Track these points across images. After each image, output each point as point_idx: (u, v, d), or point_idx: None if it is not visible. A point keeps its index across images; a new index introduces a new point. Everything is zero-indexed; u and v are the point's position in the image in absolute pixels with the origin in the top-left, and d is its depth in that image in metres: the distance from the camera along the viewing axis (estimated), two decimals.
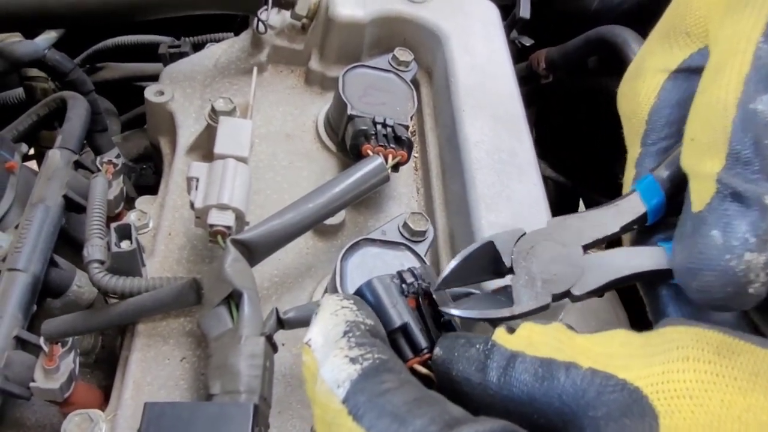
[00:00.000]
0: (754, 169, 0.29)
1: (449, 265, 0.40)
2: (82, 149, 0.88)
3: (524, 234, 0.39)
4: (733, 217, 0.30)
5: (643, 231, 0.39)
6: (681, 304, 0.36)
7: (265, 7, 0.71)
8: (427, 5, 0.76)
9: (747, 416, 0.24)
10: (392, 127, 0.63)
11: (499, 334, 0.33)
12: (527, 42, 1.02)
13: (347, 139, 0.64)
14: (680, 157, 0.33)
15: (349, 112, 0.64)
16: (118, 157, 0.93)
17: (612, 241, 0.39)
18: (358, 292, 0.42)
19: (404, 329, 0.39)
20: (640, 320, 1.20)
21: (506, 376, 0.30)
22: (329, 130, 0.71)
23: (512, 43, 1.04)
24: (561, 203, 1.18)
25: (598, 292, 0.37)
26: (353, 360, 0.30)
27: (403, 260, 0.56)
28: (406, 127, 0.64)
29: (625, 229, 0.38)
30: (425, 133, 0.72)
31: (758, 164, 0.29)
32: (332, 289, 0.54)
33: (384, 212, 0.66)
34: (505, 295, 0.39)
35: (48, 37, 0.83)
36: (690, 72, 0.36)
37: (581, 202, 1.26)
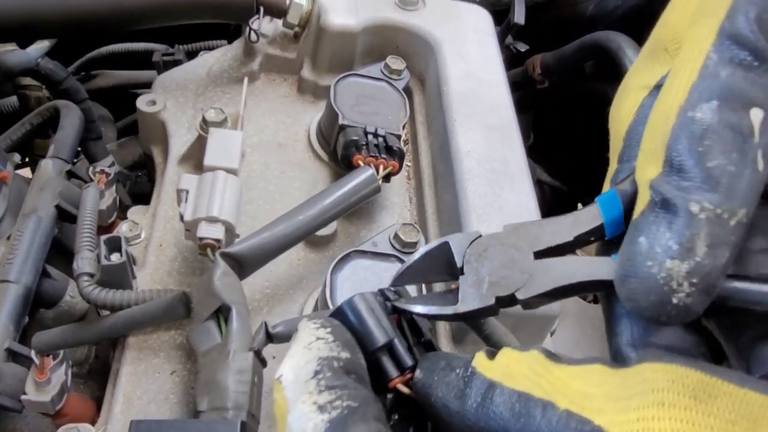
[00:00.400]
0: (687, 176, 0.29)
1: (406, 262, 0.41)
2: (77, 157, 0.88)
3: (479, 237, 0.40)
4: (659, 224, 0.29)
5: (605, 244, 0.38)
6: (633, 321, 0.34)
7: (257, 16, 0.71)
8: (420, 13, 0.76)
9: None
10: (384, 137, 0.63)
11: (479, 360, 0.32)
12: (522, 47, 1.02)
13: (338, 150, 0.64)
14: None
15: (340, 122, 0.64)
16: (112, 165, 0.94)
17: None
18: (339, 311, 0.40)
19: (389, 347, 0.39)
20: None
21: (484, 408, 0.30)
22: (321, 139, 0.70)
23: (507, 49, 1.04)
24: (557, 208, 1.18)
25: (545, 298, 0.36)
26: (321, 408, 0.30)
27: (394, 272, 0.56)
28: (398, 137, 0.64)
29: (580, 239, 0.37)
30: (418, 141, 0.72)
31: (691, 172, 0.29)
32: (322, 302, 0.54)
33: (376, 222, 0.66)
34: (455, 295, 0.39)
35: (41, 46, 0.83)
36: None
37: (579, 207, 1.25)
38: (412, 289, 0.51)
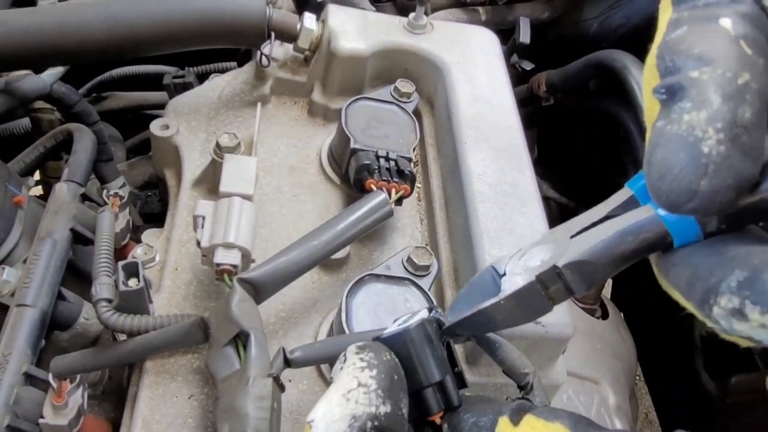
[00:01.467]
0: (680, 64, 0.29)
1: (453, 312, 0.40)
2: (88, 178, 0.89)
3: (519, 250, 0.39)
4: (669, 102, 0.29)
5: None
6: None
7: (269, 41, 0.72)
8: (428, 36, 0.77)
9: None
10: (395, 160, 0.64)
11: (503, 426, 0.33)
12: (528, 66, 1.04)
13: (351, 173, 0.65)
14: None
15: (352, 145, 0.65)
16: (123, 186, 0.95)
17: None
18: (396, 340, 0.39)
19: (441, 384, 0.39)
20: (650, 343, 1.18)
21: None
22: (333, 162, 0.71)
23: (513, 67, 1.05)
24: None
25: (586, 265, 0.35)
26: None
27: (408, 295, 0.57)
28: (409, 160, 0.65)
29: (612, 214, 0.36)
30: (428, 163, 0.73)
31: (682, 60, 0.29)
32: (338, 326, 0.55)
33: (388, 244, 0.67)
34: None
35: (55, 71, 0.85)
36: None
37: None
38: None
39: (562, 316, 0.55)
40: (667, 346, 1.16)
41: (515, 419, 0.32)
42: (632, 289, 1.30)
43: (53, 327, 0.65)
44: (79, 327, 0.67)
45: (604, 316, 1.00)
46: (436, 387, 0.38)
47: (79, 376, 0.63)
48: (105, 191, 0.76)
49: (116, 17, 0.70)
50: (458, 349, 0.58)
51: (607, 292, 1.44)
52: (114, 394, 0.67)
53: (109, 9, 0.69)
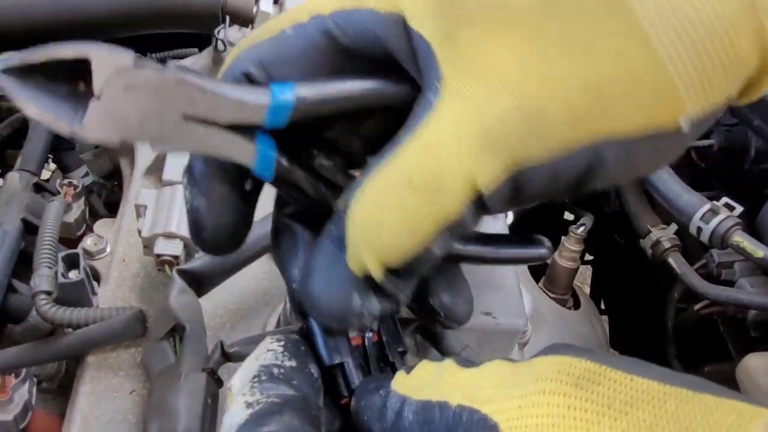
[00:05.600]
0: (401, 280, 0.32)
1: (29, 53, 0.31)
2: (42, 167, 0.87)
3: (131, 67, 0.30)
4: (372, 297, 0.33)
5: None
6: None
7: (223, 25, 0.70)
8: None
9: None
10: None
11: (397, 378, 0.33)
12: None
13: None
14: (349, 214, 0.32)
15: None
16: (86, 175, 0.92)
17: None
18: (305, 325, 0.41)
19: (341, 367, 0.40)
20: (625, 332, 1.18)
21: (397, 424, 0.31)
22: None
23: None
24: (541, 216, 1.18)
25: None
26: (249, 405, 0.32)
27: None
28: None
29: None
30: None
31: (405, 279, 0.32)
32: (284, 317, 0.54)
33: None
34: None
35: (6, 57, 0.82)
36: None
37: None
38: None
39: (514, 308, 0.54)
40: (638, 335, 1.15)
41: (411, 370, 0.33)
42: (609, 280, 1.29)
43: (5, 320, 0.64)
44: (32, 320, 0.65)
45: (576, 306, 0.99)
46: (341, 372, 0.39)
47: (24, 371, 0.61)
48: (58, 181, 0.74)
49: (66, 0, 0.68)
50: (410, 342, 0.57)
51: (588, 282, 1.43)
52: (70, 389, 0.66)
53: None
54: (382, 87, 0.33)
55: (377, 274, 0.32)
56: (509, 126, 0.28)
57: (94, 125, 0.30)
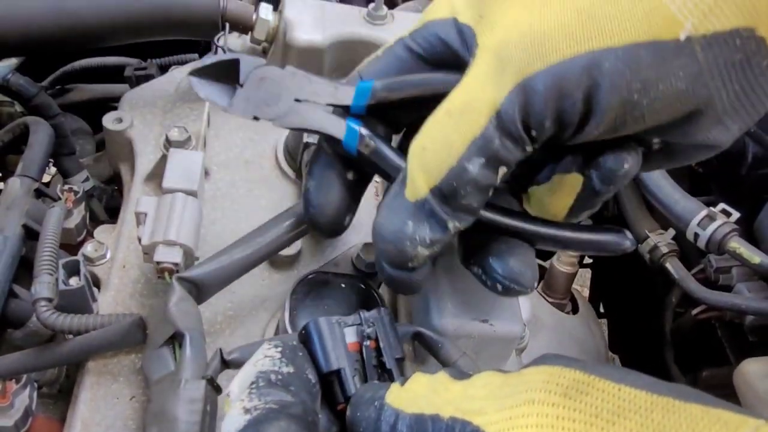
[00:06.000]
0: (448, 206, 0.39)
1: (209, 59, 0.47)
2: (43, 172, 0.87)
3: (264, 66, 0.47)
4: (425, 223, 0.40)
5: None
6: None
7: (223, 32, 0.70)
8: (388, 27, 0.75)
9: None
10: None
11: (392, 391, 0.34)
12: None
13: (303, 167, 0.63)
14: (412, 144, 0.41)
15: (305, 139, 0.63)
16: (86, 180, 0.93)
17: None
18: (304, 330, 0.43)
19: (338, 374, 0.40)
20: (624, 336, 1.18)
21: None
22: (288, 156, 0.70)
23: None
24: None
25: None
26: (247, 411, 0.33)
27: (356, 293, 0.55)
28: None
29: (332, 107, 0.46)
30: None
31: (452, 205, 0.39)
32: (282, 324, 0.54)
33: (341, 241, 0.65)
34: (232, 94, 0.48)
35: (8, 63, 0.83)
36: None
37: None
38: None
39: (511, 314, 0.54)
40: (637, 339, 1.15)
41: (405, 381, 0.34)
42: (607, 284, 1.29)
43: (6, 325, 0.64)
44: (32, 325, 0.65)
45: (575, 310, 0.99)
46: (337, 378, 0.40)
47: (25, 376, 0.62)
48: (59, 186, 0.75)
49: (65, 7, 0.68)
50: (407, 347, 0.57)
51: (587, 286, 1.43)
52: (71, 393, 0.66)
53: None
54: (440, 77, 0.44)
55: (424, 191, 0.39)
56: (517, 50, 0.36)
57: (238, 105, 0.47)
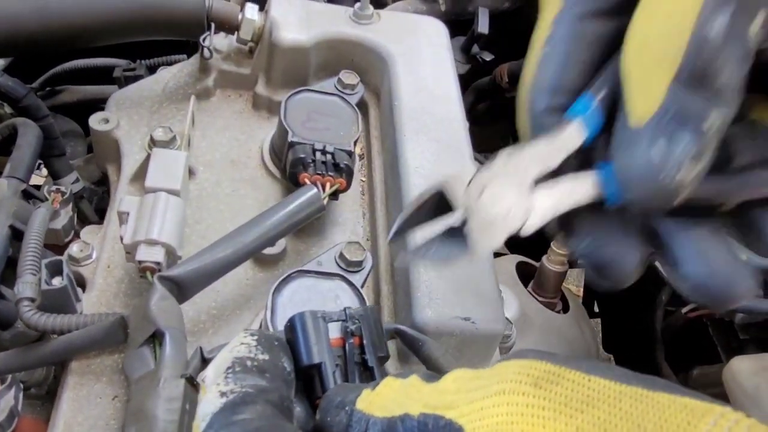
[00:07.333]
0: (702, 91, 0.30)
1: (399, 217, 0.42)
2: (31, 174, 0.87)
3: (476, 173, 0.40)
4: (673, 137, 0.31)
5: (580, 152, 0.39)
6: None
7: (208, 32, 0.70)
8: (374, 27, 0.76)
9: None
10: (332, 153, 0.62)
11: (363, 397, 0.34)
12: (488, 57, 1.02)
13: (287, 167, 0.63)
14: (623, 60, 0.33)
15: (289, 139, 0.63)
16: (76, 182, 0.93)
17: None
18: (290, 322, 0.43)
19: (319, 368, 0.41)
20: (617, 335, 1.19)
21: None
22: (274, 156, 0.70)
23: (474, 59, 1.04)
24: None
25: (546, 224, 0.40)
26: (222, 394, 0.32)
27: (338, 292, 0.55)
28: (349, 153, 0.63)
29: (568, 159, 0.39)
30: (372, 156, 0.72)
31: (707, 87, 0.30)
32: (264, 323, 0.54)
33: (327, 239, 0.66)
34: (460, 236, 0.40)
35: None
36: None
37: None
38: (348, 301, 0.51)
39: (494, 312, 0.54)
40: (629, 338, 1.15)
41: (376, 386, 0.34)
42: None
43: None
44: (20, 326, 0.65)
45: (565, 309, 0.99)
46: (317, 373, 0.40)
47: (10, 377, 0.62)
48: (47, 187, 0.75)
49: (50, 8, 0.68)
50: (391, 345, 0.57)
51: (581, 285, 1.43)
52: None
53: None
54: None
55: (662, 92, 0.31)
56: None
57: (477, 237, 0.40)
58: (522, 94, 0.39)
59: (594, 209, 0.39)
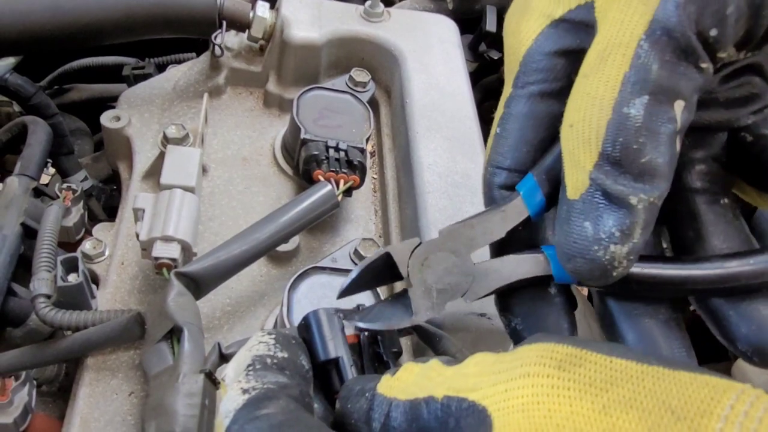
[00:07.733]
0: (624, 172, 0.32)
1: (349, 276, 0.43)
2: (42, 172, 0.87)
3: (419, 244, 0.42)
4: (602, 213, 0.33)
5: (528, 227, 0.42)
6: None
7: (220, 30, 0.70)
8: (384, 24, 0.76)
9: (565, 423, 0.25)
10: (345, 150, 0.62)
11: (383, 382, 0.34)
12: (495, 55, 1.02)
13: (300, 164, 0.63)
14: (561, 138, 0.36)
15: (302, 136, 0.64)
16: (85, 180, 0.93)
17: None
18: (304, 320, 0.43)
19: (336, 363, 0.41)
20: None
21: (386, 427, 0.32)
22: (285, 153, 0.70)
23: (481, 57, 1.04)
24: None
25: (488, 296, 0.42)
26: (245, 391, 0.33)
27: None
28: (362, 150, 0.64)
29: (512, 232, 0.41)
30: (383, 153, 0.72)
31: (628, 168, 0.32)
32: (280, 319, 0.54)
33: (340, 236, 0.66)
34: (404, 302, 0.42)
35: (6, 63, 0.83)
36: (570, 25, 0.38)
37: None
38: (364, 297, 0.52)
39: None
40: None
41: (396, 372, 0.34)
42: None
43: (5, 323, 0.64)
44: (32, 323, 0.66)
45: (573, 306, 0.99)
46: (335, 367, 0.41)
47: (24, 374, 0.62)
48: (57, 185, 0.75)
49: (63, 6, 0.68)
50: (405, 340, 0.57)
51: None
52: (70, 391, 0.66)
53: None
54: None
55: (587, 172, 0.33)
56: None
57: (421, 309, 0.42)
58: (483, 169, 0.42)
59: (536, 289, 0.42)
